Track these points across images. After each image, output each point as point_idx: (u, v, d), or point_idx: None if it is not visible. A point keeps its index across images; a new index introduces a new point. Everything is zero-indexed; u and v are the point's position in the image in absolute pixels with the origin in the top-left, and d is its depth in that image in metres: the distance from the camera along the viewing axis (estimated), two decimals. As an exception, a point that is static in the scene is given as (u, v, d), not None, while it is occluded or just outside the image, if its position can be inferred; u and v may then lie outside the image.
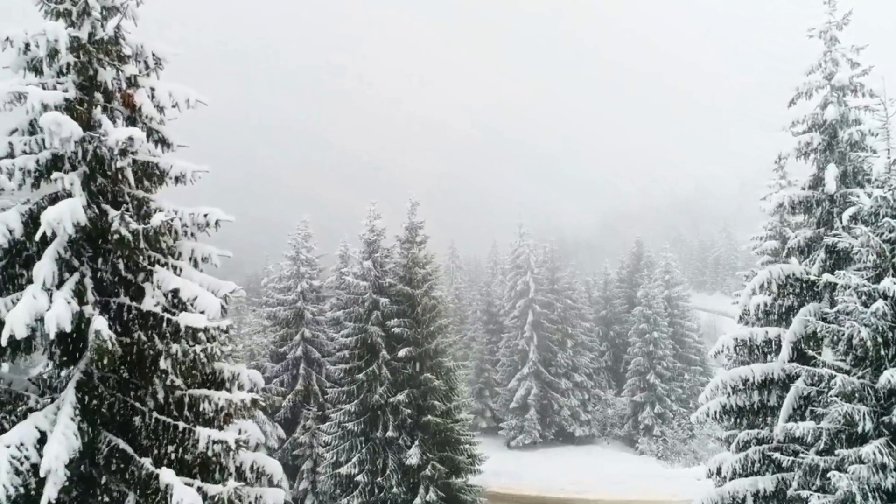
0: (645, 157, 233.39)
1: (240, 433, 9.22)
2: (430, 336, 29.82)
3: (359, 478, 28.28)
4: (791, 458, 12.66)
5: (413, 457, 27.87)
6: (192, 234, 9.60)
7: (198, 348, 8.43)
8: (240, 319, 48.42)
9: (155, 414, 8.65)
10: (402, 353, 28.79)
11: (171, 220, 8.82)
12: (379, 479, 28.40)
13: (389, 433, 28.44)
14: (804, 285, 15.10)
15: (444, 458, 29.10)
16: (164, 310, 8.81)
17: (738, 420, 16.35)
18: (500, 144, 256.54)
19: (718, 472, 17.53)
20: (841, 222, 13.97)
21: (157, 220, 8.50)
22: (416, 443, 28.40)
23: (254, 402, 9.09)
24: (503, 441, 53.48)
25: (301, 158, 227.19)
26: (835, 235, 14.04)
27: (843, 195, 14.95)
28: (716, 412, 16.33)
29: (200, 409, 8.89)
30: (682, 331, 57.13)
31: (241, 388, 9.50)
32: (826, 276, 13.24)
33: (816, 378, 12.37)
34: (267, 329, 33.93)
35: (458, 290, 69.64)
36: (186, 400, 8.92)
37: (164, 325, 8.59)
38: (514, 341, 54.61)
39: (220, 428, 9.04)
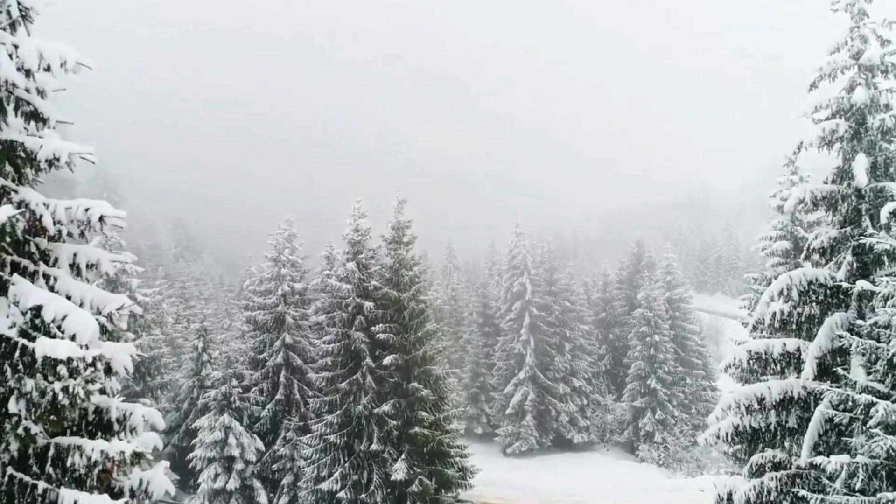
0: (646, 156, 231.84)
1: (140, 485, 7.37)
2: (418, 342, 28.08)
3: (341, 494, 26.50)
4: (819, 495, 10.82)
5: (399, 471, 26.11)
6: (71, 234, 7.71)
7: (57, 386, 6.51)
8: (230, 324, 46.64)
9: (10, 470, 6.80)
10: (387, 360, 27.01)
11: (40, 217, 6.97)
12: (363, 495, 26.62)
13: (374, 446, 26.67)
14: (829, 292, 13.28)
15: (433, 472, 27.35)
16: (22, 333, 6.93)
17: (752, 443, 14.51)
18: (499, 143, 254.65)
19: (729, 498, 15.75)
20: (875, 220, 12.15)
21: (1, 215, 6.57)
22: (403, 456, 26.64)
23: (137, 455, 7.09)
24: (499, 448, 51.65)
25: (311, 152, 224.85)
26: (869, 235, 12.20)
27: (873, 189, 13.13)
28: (727, 434, 14.52)
29: (69, 463, 6.99)
30: (684, 334, 55.23)
31: (133, 432, 7.60)
32: (862, 284, 11.40)
33: (850, 403, 10.55)
34: (246, 334, 32.09)
35: (455, 290, 67.78)
36: (51, 452, 7.01)
37: (18, 353, 6.70)
38: (510, 345, 52.76)
39: (97, 487, 7.12)
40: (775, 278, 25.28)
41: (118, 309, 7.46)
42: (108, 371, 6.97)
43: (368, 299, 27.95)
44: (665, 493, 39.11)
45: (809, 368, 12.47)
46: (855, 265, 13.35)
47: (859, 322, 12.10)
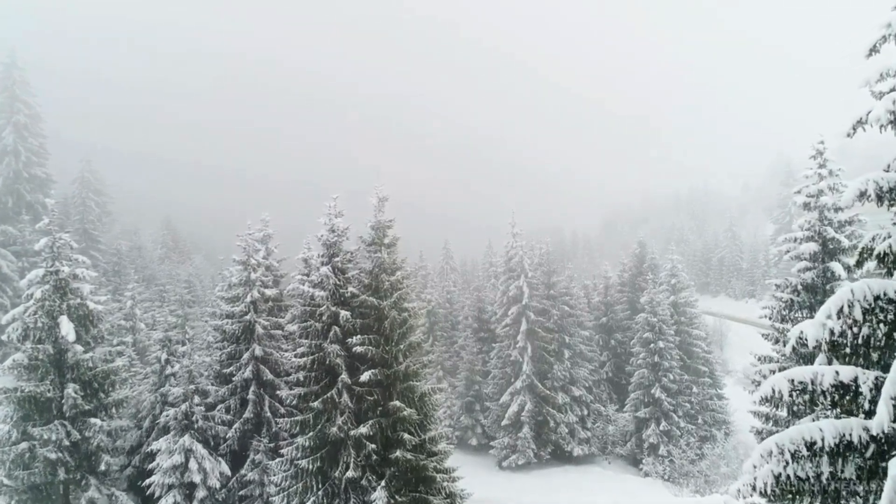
0: (647, 156, 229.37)
1: None
2: (401, 355, 25.22)
3: (313, 526, 23.66)
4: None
5: (379, 500, 23.28)
6: None
7: None
8: (195, 334, 43.67)
9: None
10: (365, 376, 24.17)
11: None
12: (337, 527, 23.80)
13: (351, 472, 23.79)
14: (900, 309, 10.42)
15: (417, 500, 24.49)
16: None
17: (796, 497, 11.63)
18: (500, 142, 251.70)
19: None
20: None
21: None
22: (383, 483, 23.78)
23: None
24: (494, 461, 48.84)
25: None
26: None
27: (957, 178, 10.30)
28: (765, 485, 11.62)
29: None
30: (690, 340, 52.29)
31: None
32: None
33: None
34: (212, 346, 29.15)
35: (451, 293, 64.91)
36: None
37: None
38: (506, 351, 49.93)
39: None
40: (802, 285, 22.46)
41: None
42: None
43: (345, 308, 25.13)
44: (672, 514, 36.22)
45: (885, 411, 9.62)
46: (932, 275, 10.52)
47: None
